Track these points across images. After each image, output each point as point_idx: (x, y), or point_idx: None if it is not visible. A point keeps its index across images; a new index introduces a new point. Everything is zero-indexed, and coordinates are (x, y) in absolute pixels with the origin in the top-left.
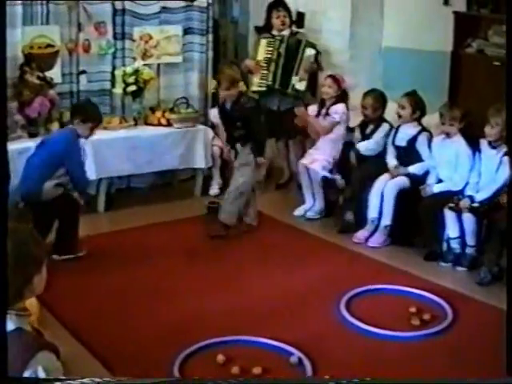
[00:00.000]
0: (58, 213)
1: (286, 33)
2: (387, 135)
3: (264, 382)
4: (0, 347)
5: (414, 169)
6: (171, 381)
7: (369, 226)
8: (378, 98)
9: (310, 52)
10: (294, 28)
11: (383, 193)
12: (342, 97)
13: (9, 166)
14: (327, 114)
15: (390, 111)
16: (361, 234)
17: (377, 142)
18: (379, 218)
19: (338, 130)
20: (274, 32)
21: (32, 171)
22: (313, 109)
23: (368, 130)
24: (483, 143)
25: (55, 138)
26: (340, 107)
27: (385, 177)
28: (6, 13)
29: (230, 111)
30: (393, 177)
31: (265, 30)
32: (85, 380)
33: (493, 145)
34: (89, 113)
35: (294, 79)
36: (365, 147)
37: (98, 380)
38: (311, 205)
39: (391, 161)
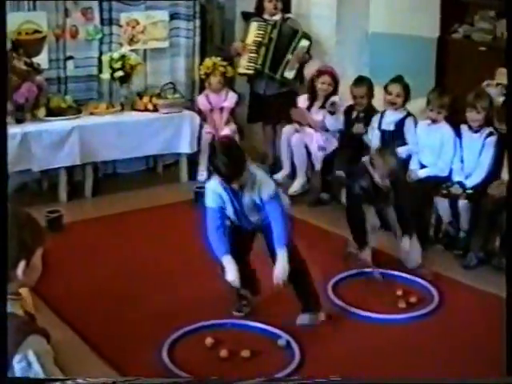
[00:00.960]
0: None
1: (277, 17)
2: None
3: (266, 381)
4: (0, 347)
5: (401, 151)
6: (179, 381)
7: None
8: (370, 87)
9: (304, 43)
10: (286, 14)
11: None
12: (335, 88)
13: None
14: (322, 106)
15: (378, 97)
16: None
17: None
18: None
19: (334, 121)
20: (266, 16)
21: None
22: (303, 99)
23: (359, 117)
24: (464, 128)
25: None
26: (336, 99)
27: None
28: (6, 11)
29: None
30: None
31: (256, 13)
32: (91, 380)
33: (474, 129)
34: None
35: (287, 70)
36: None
37: (103, 380)
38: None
39: (375, 143)
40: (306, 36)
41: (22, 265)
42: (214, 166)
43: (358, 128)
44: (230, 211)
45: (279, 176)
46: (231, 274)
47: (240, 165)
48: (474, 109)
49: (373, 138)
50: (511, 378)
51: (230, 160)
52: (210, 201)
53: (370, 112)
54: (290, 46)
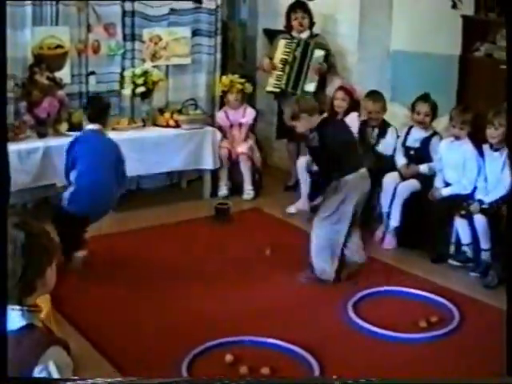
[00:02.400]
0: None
1: (304, 35)
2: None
3: (270, 381)
4: (0, 347)
5: (423, 168)
6: (180, 381)
7: (384, 221)
8: (383, 101)
9: (318, 53)
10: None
11: (394, 193)
12: (355, 106)
13: (9, 167)
14: None
15: (399, 114)
16: (379, 232)
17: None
18: (388, 217)
19: None
20: (294, 33)
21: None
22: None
23: (374, 134)
24: (485, 147)
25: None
26: (354, 117)
27: (393, 175)
28: (5, 13)
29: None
30: (403, 176)
31: (285, 31)
32: (97, 380)
33: (495, 147)
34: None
35: (306, 84)
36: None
37: (109, 380)
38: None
39: (400, 160)
40: (320, 46)
41: (49, 271)
42: None
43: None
44: None
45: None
46: None
47: None
48: (492, 125)
49: (397, 155)
50: (511, 378)
51: None
52: None
53: (383, 126)
54: (306, 59)
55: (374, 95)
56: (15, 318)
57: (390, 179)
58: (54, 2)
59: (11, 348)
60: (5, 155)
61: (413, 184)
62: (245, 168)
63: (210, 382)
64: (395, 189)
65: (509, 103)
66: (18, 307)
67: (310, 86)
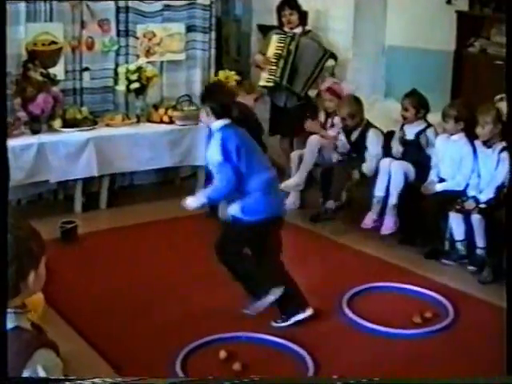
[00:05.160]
0: None
1: (297, 30)
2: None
3: (266, 381)
4: (0, 347)
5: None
6: (176, 381)
7: (375, 207)
8: (359, 105)
9: (330, 63)
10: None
11: (390, 173)
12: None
13: (9, 164)
14: (332, 125)
15: (395, 110)
16: (368, 219)
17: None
18: (385, 198)
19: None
20: (286, 29)
21: None
22: (322, 115)
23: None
24: (478, 143)
25: None
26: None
27: (388, 159)
28: (6, 11)
29: None
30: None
31: (277, 26)
32: (95, 380)
33: (488, 144)
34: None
35: (311, 89)
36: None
37: (109, 380)
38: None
39: (397, 148)
40: (333, 56)
41: (32, 275)
42: None
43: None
44: None
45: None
46: None
47: None
48: (478, 123)
49: (394, 145)
50: (511, 377)
51: None
52: None
53: (363, 130)
54: (317, 64)
55: (345, 99)
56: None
57: (385, 162)
58: None
59: None
60: (4, 151)
61: (407, 166)
62: None
63: (207, 381)
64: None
65: (508, 99)
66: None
67: (314, 93)
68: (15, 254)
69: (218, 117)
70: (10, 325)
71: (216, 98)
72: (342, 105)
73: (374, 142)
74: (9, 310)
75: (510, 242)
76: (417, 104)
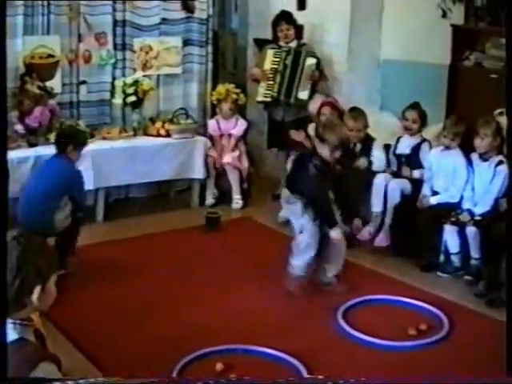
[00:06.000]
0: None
1: (292, 44)
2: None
3: (261, 382)
4: (0, 348)
5: (416, 173)
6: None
7: (373, 220)
8: (365, 119)
9: (310, 61)
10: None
11: (386, 192)
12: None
13: (9, 177)
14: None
15: (391, 123)
16: (366, 231)
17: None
18: (383, 216)
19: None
20: (281, 43)
21: (39, 204)
22: (311, 128)
23: (357, 148)
24: (474, 156)
25: (56, 169)
26: None
27: (383, 175)
28: (5, 19)
29: None
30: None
31: (272, 41)
32: (81, 381)
33: (484, 157)
34: (80, 138)
35: (300, 91)
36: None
37: (92, 380)
38: None
39: (392, 161)
40: (311, 54)
41: (37, 290)
42: None
43: (361, 162)
44: None
45: None
46: None
47: None
48: (478, 136)
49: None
50: (511, 377)
51: None
52: None
53: (366, 141)
54: (298, 67)
55: (356, 113)
56: (7, 331)
57: (379, 179)
58: (45, 12)
59: None
60: (4, 164)
61: (403, 183)
62: (232, 177)
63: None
64: (386, 189)
65: (508, 110)
66: (10, 320)
67: (303, 94)
68: (20, 264)
69: None
70: (15, 336)
71: None
72: (356, 116)
73: (380, 148)
74: (15, 321)
75: (510, 247)
76: (422, 115)
